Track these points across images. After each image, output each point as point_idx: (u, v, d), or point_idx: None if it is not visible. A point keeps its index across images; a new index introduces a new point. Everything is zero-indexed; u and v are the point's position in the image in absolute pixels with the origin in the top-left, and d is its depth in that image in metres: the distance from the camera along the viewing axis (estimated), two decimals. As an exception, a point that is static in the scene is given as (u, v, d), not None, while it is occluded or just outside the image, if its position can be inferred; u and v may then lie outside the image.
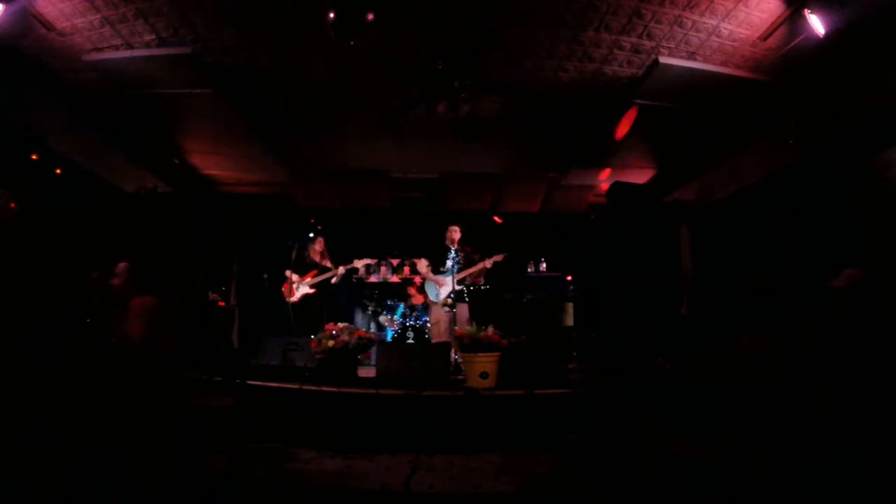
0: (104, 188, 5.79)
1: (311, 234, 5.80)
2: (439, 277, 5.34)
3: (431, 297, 5.42)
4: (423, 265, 5.41)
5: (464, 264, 5.30)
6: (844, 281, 3.31)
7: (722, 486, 2.60)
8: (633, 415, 3.69)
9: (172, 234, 5.87)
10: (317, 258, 5.77)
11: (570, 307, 6.19)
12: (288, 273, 5.63)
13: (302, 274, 5.60)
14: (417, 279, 7.19)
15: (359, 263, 5.73)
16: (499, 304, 6.75)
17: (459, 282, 5.22)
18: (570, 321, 6.12)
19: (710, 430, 3.40)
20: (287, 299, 5.60)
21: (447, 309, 5.24)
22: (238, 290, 7.38)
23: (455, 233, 5.43)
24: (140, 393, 3.00)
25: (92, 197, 5.50)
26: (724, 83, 4.61)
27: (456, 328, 4.73)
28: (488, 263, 5.24)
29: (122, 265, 3.69)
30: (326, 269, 5.70)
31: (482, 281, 5.40)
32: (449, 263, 5.28)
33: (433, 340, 5.39)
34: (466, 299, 5.33)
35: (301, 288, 5.52)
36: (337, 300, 6.88)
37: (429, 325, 6.07)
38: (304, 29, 4.09)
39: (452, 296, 5.19)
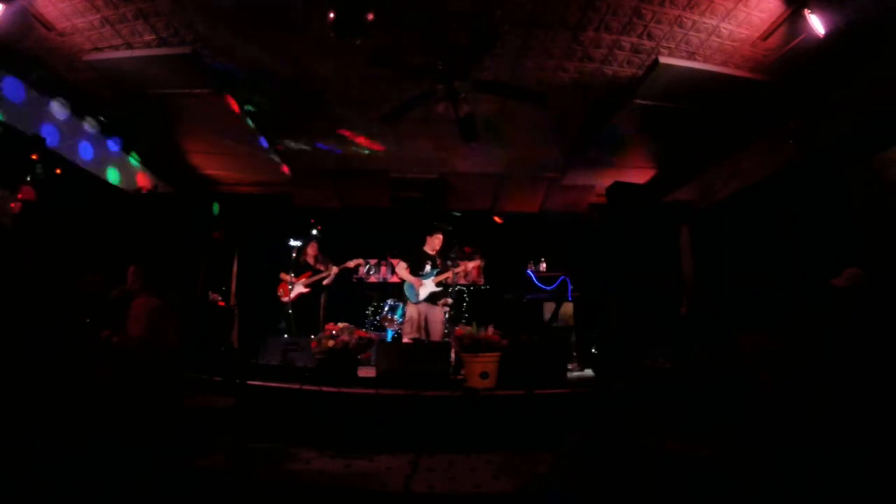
0: (104, 188, 5.79)
1: (305, 239, 6.17)
2: (416, 279, 5.51)
3: (410, 298, 5.58)
4: (401, 267, 5.62)
5: (441, 269, 5.54)
6: (847, 280, 3.31)
7: (721, 485, 2.60)
8: (633, 415, 3.70)
9: (172, 234, 5.86)
10: (311, 261, 6.13)
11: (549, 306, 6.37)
12: (283, 275, 5.97)
13: (297, 275, 5.93)
14: (394, 278, 7.30)
15: (351, 264, 6.14)
16: (499, 304, 6.78)
17: (437, 284, 5.48)
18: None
19: (710, 430, 3.41)
20: (282, 299, 5.95)
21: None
22: (238, 290, 7.38)
23: (437, 241, 5.65)
24: (140, 393, 3.01)
25: (92, 197, 5.49)
26: (724, 83, 4.61)
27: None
28: (451, 274, 5.50)
29: (131, 268, 3.71)
30: (319, 271, 6.08)
31: (460, 281, 5.56)
32: (427, 268, 5.54)
33: (404, 338, 5.55)
34: (441, 302, 5.62)
35: (296, 288, 5.88)
36: (336, 300, 6.91)
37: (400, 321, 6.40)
38: (304, 29, 4.09)
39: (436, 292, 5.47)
